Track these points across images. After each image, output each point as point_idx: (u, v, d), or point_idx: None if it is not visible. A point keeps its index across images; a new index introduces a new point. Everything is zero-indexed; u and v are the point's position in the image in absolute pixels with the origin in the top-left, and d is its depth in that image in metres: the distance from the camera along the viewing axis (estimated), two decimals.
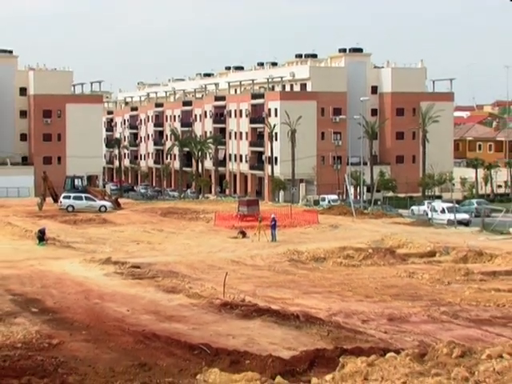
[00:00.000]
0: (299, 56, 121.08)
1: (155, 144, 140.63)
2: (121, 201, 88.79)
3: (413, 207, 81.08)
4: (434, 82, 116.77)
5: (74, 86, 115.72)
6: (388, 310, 31.31)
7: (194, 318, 30.19)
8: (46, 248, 51.76)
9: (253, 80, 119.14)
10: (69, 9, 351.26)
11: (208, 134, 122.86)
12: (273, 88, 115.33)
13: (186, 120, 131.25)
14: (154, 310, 31.58)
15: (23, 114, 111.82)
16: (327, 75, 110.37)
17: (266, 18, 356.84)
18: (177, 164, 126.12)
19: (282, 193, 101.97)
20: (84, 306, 32.38)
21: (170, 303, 33.22)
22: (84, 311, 31.27)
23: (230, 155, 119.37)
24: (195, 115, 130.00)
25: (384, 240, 53.43)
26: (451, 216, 67.92)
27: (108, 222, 69.37)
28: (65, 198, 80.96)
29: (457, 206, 74.25)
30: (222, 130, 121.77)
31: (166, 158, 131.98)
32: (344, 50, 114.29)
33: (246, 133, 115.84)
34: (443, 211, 71.27)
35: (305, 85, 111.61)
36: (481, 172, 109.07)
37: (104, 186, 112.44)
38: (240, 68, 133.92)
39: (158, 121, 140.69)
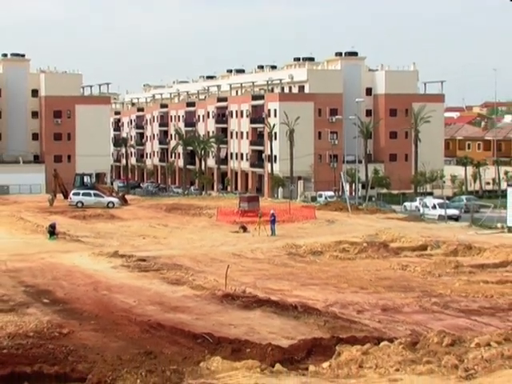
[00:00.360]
0: (297, 59, 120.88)
1: (160, 143, 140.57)
2: (127, 197, 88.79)
3: (405, 203, 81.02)
4: (425, 84, 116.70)
5: (83, 87, 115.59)
6: (382, 301, 31.34)
7: (197, 308, 30.22)
8: (57, 242, 51.81)
9: (253, 82, 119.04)
10: (79, 15, 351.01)
11: (210, 134, 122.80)
12: (272, 90, 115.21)
13: (190, 120, 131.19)
14: (159, 301, 31.62)
15: (35, 114, 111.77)
16: (324, 77, 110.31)
17: (265, 24, 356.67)
18: (181, 162, 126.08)
19: (280, 189, 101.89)
20: (93, 297, 32.43)
21: (175, 294, 33.26)
22: (93, 302, 31.31)
23: (231, 154, 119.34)
24: (198, 116, 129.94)
25: (378, 234, 53.47)
26: (442, 211, 67.93)
27: (115, 217, 69.38)
28: (74, 194, 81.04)
29: (447, 202, 74.24)
30: (224, 130, 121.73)
31: (171, 157, 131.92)
32: (340, 54, 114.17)
33: (247, 132, 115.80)
34: (434, 207, 71.23)
35: (303, 87, 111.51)
36: (470, 170, 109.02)
37: (112, 183, 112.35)
38: (241, 71, 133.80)
39: (163, 121, 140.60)
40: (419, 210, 72.96)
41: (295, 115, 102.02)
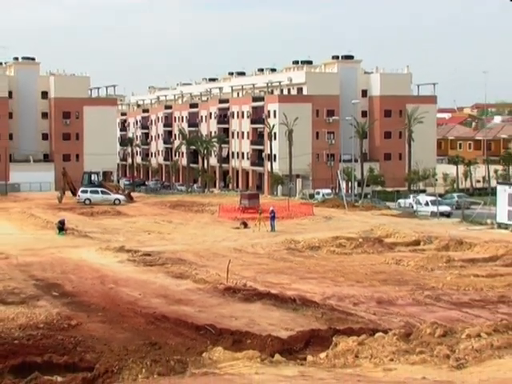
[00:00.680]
0: (296, 62, 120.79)
1: (165, 143, 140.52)
2: (133, 194, 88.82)
3: (399, 200, 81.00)
4: (418, 86, 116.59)
5: (90, 89, 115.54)
6: (377, 294, 31.36)
7: (200, 301, 30.24)
8: (66, 237, 51.84)
9: (253, 84, 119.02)
10: (87, 20, 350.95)
11: (213, 134, 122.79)
12: (272, 92, 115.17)
13: (193, 121, 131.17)
14: (163, 294, 31.63)
15: (44, 115, 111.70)
16: (321, 80, 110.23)
17: (265, 28, 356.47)
18: (184, 161, 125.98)
19: (280, 187, 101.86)
20: (100, 290, 32.45)
21: (178, 288, 33.28)
22: (100, 295, 31.33)
23: (232, 153, 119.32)
24: (201, 116, 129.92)
25: (373, 230, 53.47)
26: (434, 208, 67.91)
27: (122, 213, 69.41)
28: (82, 191, 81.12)
29: (439, 199, 74.18)
30: (226, 130, 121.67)
31: (175, 156, 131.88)
32: (337, 57, 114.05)
33: (248, 132, 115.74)
34: (427, 204, 71.21)
35: (301, 89, 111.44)
36: (461, 168, 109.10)
37: (118, 181, 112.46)
38: (242, 73, 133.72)
39: (167, 121, 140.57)
40: (412, 207, 72.94)
41: (294, 116, 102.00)
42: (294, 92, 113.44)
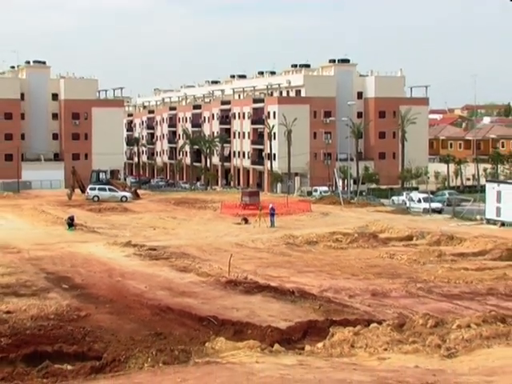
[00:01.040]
0: (294, 66, 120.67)
1: (169, 142, 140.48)
2: (139, 192, 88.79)
3: (393, 197, 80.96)
4: (411, 88, 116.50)
5: (98, 91, 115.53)
6: (371, 287, 31.35)
7: (203, 293, 30.23)
8: (75, 233, 51.83)
9: (254, 87, 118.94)
10: (95, 25, 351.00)
11: (215, 134, 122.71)
12: (271, 94, 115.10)
13: (196, 121, 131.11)
14: (168, 287, 31.63)
15: (55, 116, 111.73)
16: (319, 82, 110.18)
17: (265, 33, 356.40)
18: (188, 160, 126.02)
19: (279, 185, 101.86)
20: (107, 283, 32.44)
21: (182, 281, 33.27)
22: (108, 287, 31.32)
23: (234, 152, 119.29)
24: (204, 117, 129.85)
25: (368, 226, 53.42)
26: (426, 205, 67.88)
27: (128, 210, 69.39)
28: (91, 189, 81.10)
29: (431, 196, 74.17)
30: (227, 130, 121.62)
31: (179, 155, 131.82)
32: (333, 61, 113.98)
33: (248, 133, 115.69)
34: (419, 201, 71.17)
35: (299, 91, 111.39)
36: (452, 167, 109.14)
37: (125, 179, 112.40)
38: (243, 76, 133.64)
39: (172, 122, 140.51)
40: (406, 204, 72.92)
41: (292, 117, 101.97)
42: (292, 94, 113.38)
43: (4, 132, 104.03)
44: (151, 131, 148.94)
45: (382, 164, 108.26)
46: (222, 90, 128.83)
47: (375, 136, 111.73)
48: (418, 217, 62.89)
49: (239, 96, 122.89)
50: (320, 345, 18.99)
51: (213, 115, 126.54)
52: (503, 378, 12.89)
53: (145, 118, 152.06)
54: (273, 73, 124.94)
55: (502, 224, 54.05)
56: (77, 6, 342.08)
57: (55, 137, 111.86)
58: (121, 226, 56.49)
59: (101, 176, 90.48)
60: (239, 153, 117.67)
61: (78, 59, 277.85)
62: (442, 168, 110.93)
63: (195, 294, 29.93)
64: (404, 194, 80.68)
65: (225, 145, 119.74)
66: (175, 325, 23.95)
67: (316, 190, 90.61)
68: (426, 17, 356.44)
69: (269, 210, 57.39)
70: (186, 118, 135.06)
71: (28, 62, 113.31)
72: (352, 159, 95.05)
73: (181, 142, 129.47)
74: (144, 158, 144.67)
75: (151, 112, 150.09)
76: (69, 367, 17.15)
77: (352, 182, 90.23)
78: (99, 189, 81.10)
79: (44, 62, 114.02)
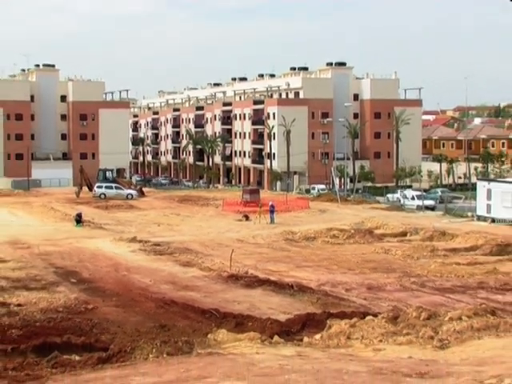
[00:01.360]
0: (293, 69, 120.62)
1: (173, 142, 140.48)
2: (144, 190, 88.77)
3: (388, 195, 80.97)
4: (405, 90, 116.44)
5: (105, 93, 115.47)
6: (367, 281, 31.35)
7: (205, 287, 30.23)
8: (83, 229, 51.85)
9: (254, 89, 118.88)
10: (102, 30, 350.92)
11: (217, 134, 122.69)
12: (271, 95, 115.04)
13: (199, 122, 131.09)
14: (172, 281, 31.63)
15: (63, 117, 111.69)
16: (316, 85, 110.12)
17: (265, 37, 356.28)
18: (191, 159, 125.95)
19: (278, 183, 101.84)
20: (114, 277, 32.45)
21: (186, 275, 33.27)
22: (114, 281, 31.34)
23: (235, 152, 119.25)
24: (206, 118, 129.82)
25: (364, 222, 53.41)
26: (420, 202, 67.90)
27: (134, 207, 69.40)
28: (98, 187, 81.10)
29: (424, 194, 74.19)
30: (229, 131, 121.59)
31: (182, 154, 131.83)
32: (331, 64, 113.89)
33: (249, 133, 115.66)
34: (413, 198, 71.21)
35: (298, 93, 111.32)
36: (444, 166, 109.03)
37: (130, 178, 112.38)
38: (244, 79, 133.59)
39: (176, 123, 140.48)
40: (400, 201, 72.94)
41: (291, 118, 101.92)
42: (291, 96, 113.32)
43: (15, 132, 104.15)
44: (156, 131, 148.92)
45: (378, 163, 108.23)
46: (224, 92, 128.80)
47: (371, 136, 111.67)
48: (411, 213, 62.89)
49: (240, 98, 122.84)
50: (318, 336, 18.99)
51: (215, 116, 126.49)
52: (493, 367, 12.90)
53: (149, 119, 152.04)
54: (272, 75, 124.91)
55: (492, 220, 54.06)
56: (84, 12, 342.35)
57: (64, 137, 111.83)
58: (126, 222, 56.50)
59: (107, 174, 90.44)
60: (240, 152, 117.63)
61: (84, 62, 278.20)
62: (434, 167, 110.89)
63: (198, 288, 29.93)
64: (398, 191, 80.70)
65: (226, 144, 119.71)
66: (179, 317, 23.96)
67: (314, 188, 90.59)
68: (420, 20, 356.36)
69: (269, 207, 57.38)
70: (189, 119, 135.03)
71: (38, 66, 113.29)
72: (348, 158, 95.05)
73: (184, 142, 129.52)
74: (149, 157, 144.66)
75: (156, 113, 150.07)
76: (77, 358, 17.15)
77: (348, 180, 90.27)
78: (106, 187, 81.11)
79: (53, 66, 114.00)
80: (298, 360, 14.69)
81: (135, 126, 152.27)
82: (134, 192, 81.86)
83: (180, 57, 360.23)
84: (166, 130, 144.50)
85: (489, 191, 55.08)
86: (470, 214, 58.71)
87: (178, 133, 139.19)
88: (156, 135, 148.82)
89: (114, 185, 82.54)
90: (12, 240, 44.80)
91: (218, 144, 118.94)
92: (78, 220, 53.30)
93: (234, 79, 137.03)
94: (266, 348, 17.24)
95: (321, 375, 12.12)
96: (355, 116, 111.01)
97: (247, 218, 57.93)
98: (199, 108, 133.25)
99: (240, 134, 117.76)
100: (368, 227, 50.92)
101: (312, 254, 40.20)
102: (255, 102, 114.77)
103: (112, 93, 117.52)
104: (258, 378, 12.00)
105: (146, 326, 21.87)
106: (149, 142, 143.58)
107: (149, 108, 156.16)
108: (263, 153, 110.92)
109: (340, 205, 69.54)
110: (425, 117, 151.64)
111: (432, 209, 67.53)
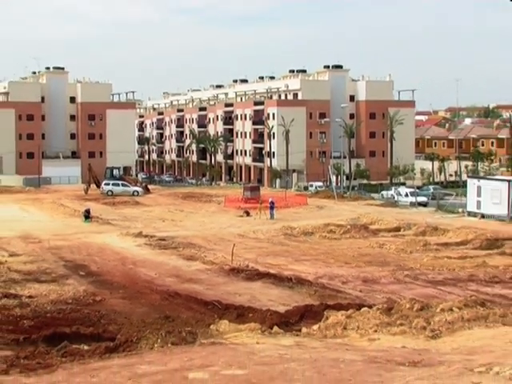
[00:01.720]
0: (292, 71, 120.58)
1: (177, 141, 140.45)
2: (150, 187, 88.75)
3: (382, 192, 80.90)
4: (399, 92, 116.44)
5: (112, 95, 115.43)
6: (362, 274, 31.33)
7: (208, 280, 30.22)
8: (91, 224, 51.83)
9: (255, 90, 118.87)
10: (109, 33, 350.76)
11: (219, 134, 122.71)
12: (271, 97, 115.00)
13: (202, 122, 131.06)
14: (176, 274, 31.61)
15: (72, 117, 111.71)
16: (314, 86, 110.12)
17: (265, 41, 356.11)
18: (194, 157, 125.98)
19: (278, 180, 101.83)
20: (121, 270, 32.44)
21: (189, 268, 33.26)
22: (121, 274, 31.33)
23: (236, 150, 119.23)
24: (209, 118, 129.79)
25: (359, 218, 53.40)
26: (413, 199, 67.83)
27: (139, 203, 69.38)
28: (105, 184, 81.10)
29: (417, 190, 74.12)
30: (231, 131, 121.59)
31: (186, 153, 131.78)
32: (328, 67, 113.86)
33: (250, 132, 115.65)
34: (406, 195, 71.14)
35: (296, 94, 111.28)
36: (436, 164, 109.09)
37: (136, 175, 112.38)
38: (245, 81, 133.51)
39: (180, 123, 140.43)
40: (394, 198, 72.89)
41: (290, 118, 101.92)
42: (290, 97, 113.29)
43: (26, 132, 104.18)
44: (160, 131, 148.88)
45: (373, 161, 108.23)
46: (226, 94, 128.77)
47: (366, 136, 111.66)
48: (405, 210, 62.86)
49: (241, 99, 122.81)
50: (315, 327, 18.99)
51: (217, 116, 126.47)
52: (483, 356, 12.92)
53: (155, 119, 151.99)
54: (272, 78, 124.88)
55: (482, 216, 54.05)
56: (92, 17, 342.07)
57: (73, 136, 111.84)
58: (133, 218, 56.49)
59: (114, 172, 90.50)
60: (241, 151, 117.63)
61: (94, 65, 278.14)
62: (427, 165, 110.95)
63: (201, 281, 29.93)
64: (392, 188, 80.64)
65: (228, 144, 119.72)
66: (182, 309, 23.96)
67: (312, 185, 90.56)
68: (413, 25, 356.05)
69: (268, 203, 57.37)
70: (193, 119, 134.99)
71: (48, 68, 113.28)
72: (345, 157, 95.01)
73: (188, 141, 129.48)
74: (154, 155, 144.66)
75: (160, 113, 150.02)
76: (85, 347, 17.16)
77: (345, 177, 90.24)
78: (113, 184, 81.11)
79: (62, 68, 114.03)
80: (297, 349, 14.69)
81: (141, 126, 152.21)
82: (139, 189, 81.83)
83: (181, 58, 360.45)
84: (171, 129, 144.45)
85: (479, 188, 55.07)
86: (460, 210, 58.68)
87: (181, 132, 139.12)
88: (161, 135, 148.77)
89: (120, 182, 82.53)
90: (24, 235, 44.81)
91: (220, 143, 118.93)
92: (87, 216, 53.29)
93: (235, 81, 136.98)
94: (266, 338, 17.24)
95: (318, 364, 12.13)
96: (351, 116, 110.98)
97: (248, 213, 57.92)
98: (202, 109, 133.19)
99: (241, 133, 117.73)
100: (363, 223, 50.90)
101: (310, 248, 40.18)
102: (256, 103, 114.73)
103: (119, 94, 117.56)
104: (258, 366, 12.01)
105: (152, 317, 21.86)
106: (154, 141, 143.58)
107: (154, 109, 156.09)
108: (263, 151, 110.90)
109: (337, 201, 69.52)
110: (418, 117, 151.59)
111: (424, 205, 67.48)
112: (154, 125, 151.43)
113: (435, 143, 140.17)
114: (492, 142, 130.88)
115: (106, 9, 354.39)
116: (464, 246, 40.21)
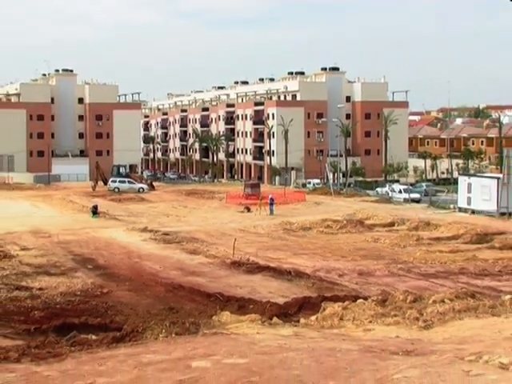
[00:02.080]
0: (291, 73, 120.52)
1: (181, 140, 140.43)
2: (154, 184, 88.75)
3: (377, 188, 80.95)
4: (393, 93, 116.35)
5: (119, 96, 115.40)
6: (358, 267, 31.34)
7: (210, 273, 30.23)
8: (98, 220, 51.83)
9: (255, 91, 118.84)
10: (115, 36, 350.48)
11: (221, 133, 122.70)
12: (271, 98, 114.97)
13: (204, 122, 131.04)
14: (180, 267, 31.62)
15: (81, 117, 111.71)
16: (312, 88, 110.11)
17: (265, 44, 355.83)
18: (197, 156, 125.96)
19: (277, 178, 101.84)
20: (127, 264, 32.45)
21: (192, 262, 33.26)
22: (127, 267, 31.33)
23: (238, 149, 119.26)
24: (211, 118, 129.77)
25: (355, 214, 53.39)
26: (406, 195, 67.90)
27: (145, 200, 69.37)
28: (112, 181, 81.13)
29: (410, 187, 74.14)
30: (232, 130, 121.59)
31: (189, 151, 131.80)
32: (325, 69, 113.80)
33: (250, 132, 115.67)
34: (400, 191, 71.19)
35: (295, 95, 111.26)
36: (428, 162, 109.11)
37: (142, 173, 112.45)
38: (245, 82, 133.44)
39: (183, 123, 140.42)
40: (388, 194, 72.93)
41: (289, 118, 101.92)
42: (289, 98, 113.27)
43: (37, 131, 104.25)
44: (165, 131, 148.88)
45: (368, 159, 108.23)
46: (227, 95, 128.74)
47: (361, 135, 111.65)
48: (399, 206, 62.87)
49: (242, 100, 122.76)
50: (313, 318, 18.98)
51: (219, 116, 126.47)
52: (473, 345, 12.93)
53: (159, 119, 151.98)
54: (271, 79, 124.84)
55: (472, 212, 54.05)
56: (99, 21, 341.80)
57: (81, 136, 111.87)
58: (138, 213, 56.50)
59: (121, 170, 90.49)
60: (242, 150, 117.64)
61: (101, 67, 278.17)
62: (420, 163, 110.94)
63: (204, 274, 29.93)
64: (387, 185, 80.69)
65: (229, 143, 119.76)
66: (186, 300, 23.97)
67: (310, 183, 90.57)
68: (408, 28, 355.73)
69: (268, 199, 57.38)
70: (196, 119, 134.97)
71: (57, 71, 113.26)
72: (341, 155, 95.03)
73: (191, 140, 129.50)
74: (159, 154, 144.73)
75: (165, 114, 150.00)
76: (93, 337, 17.15)
77: (341, 175, 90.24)
78: (119, 181, 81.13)
79: (71, 70, 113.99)
80: (295, 339, 14.70)
81: (146, 126, 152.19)
82: (145, 186, 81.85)
83: (182, 59, 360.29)
84: (175, 129, 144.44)
85: (469, 185, 55.07)
86: (452, 206, 58.71)
87: (185, 132, 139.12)
88: (165, 134, 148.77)
89: (126, 179, 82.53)
90: (34, 230, 44.81)
91: (222, 142, 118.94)
92: (94, 211, 53.31)
93: (236, 83, 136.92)
94: (266, 328, 17.24)
95: (316, 353, 12.14)
96: (347, 116, 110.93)
97: (248, 209, 57.93)
98: (205, 109, 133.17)
99: (242, 132, 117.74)
100: (359, 218, 50.92)
101: (308, 242, 40.20)
102: (256, 104, 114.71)
103: (125, 95, 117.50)
104: (258, 355, 12.02)
105: (156, 308, 21.88)
106: (158, 140, 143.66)
107: (158, 109, 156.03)
108: (263, 150, 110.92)
109: (333, 198, 69.52)
110: (411, 117, 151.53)
111: (417, 201, 67.51)
112: (159, 124, 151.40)
113: (428, 142, 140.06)
114: (482, 141, 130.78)
115: (106, 11, 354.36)
116: (455, 241, 40.23)
